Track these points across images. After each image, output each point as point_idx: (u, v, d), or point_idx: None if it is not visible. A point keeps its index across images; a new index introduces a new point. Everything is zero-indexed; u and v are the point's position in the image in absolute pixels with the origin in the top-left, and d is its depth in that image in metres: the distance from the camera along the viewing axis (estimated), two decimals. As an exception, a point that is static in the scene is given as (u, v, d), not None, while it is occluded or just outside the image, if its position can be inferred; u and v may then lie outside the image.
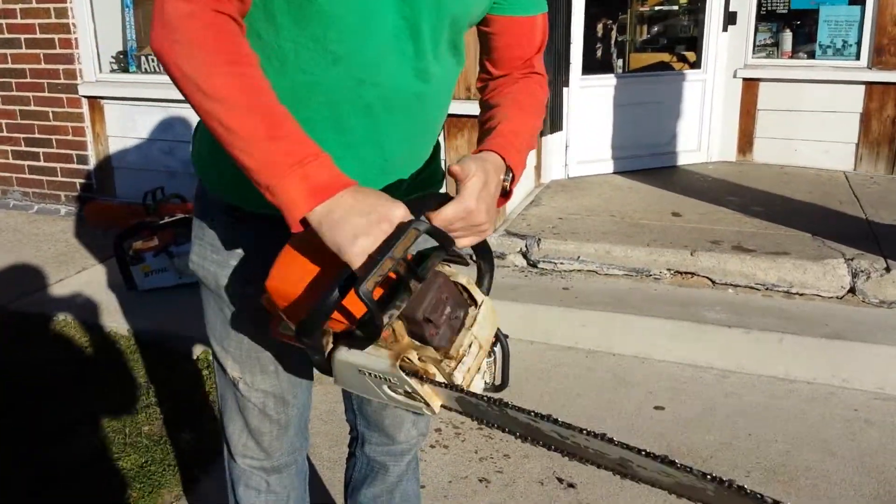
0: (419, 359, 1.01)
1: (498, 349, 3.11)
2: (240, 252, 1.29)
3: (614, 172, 4.74)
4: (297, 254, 1.01)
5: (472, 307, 1.10)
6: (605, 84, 4.67)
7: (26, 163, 4.84)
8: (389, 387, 1.03)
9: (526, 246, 3.63)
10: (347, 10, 1.06)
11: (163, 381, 2.85)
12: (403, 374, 1.00)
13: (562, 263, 3.55)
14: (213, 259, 1.32)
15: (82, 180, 4.72)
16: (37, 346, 3.10)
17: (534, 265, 3.61)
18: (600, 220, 3.88)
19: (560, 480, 2.38)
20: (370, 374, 1.02)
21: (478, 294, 1.11)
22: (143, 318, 3.27)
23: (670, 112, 4.83)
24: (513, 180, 1.20)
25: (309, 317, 0.96)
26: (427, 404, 1.03)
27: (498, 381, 3.02)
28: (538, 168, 4.46)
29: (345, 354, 1.02)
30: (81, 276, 3.75)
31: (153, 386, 2.82)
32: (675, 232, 3.67)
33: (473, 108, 3.16)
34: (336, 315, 0.96)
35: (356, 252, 0.92)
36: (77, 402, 2.70)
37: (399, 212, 0.96)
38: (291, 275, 1.00)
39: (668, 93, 4.80)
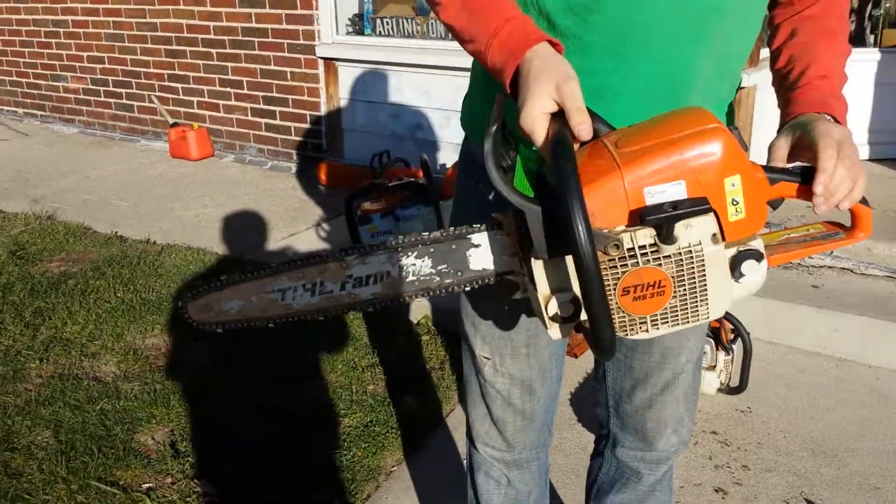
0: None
1: (738, 346, 2.83)
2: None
3: (871, 159, 4.24)
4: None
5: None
6: (866, 59, 4.17)
7: (263, 120, 5.11)
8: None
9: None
10: None
11: (385, 343, 2.88)
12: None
13: (811, 258, 3.21)
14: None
15: (313, 140, 4.91)
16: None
17: (775, 257, 3.29)
18: (856, 213, 3.46)
19: (809, 503, 2.13)
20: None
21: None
22: (367, 278, 3.32)
23: (942, 95, 4.24)
24: None
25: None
26: None
27: (735, 383, 2.76)
28: (782, 151, 4.07)
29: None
30: (312, 232, 3.89)
31: (376, 346, 2.85)
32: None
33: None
34: None
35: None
36: (305, 355, 2.78)
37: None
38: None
39: (941, 72, 4.21)
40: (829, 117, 1.01)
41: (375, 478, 2.23)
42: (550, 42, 0.93)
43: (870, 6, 6.28)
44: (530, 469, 1.44)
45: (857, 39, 6.10)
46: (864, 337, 2.80)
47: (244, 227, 3.99)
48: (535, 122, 0.88)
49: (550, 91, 0.87)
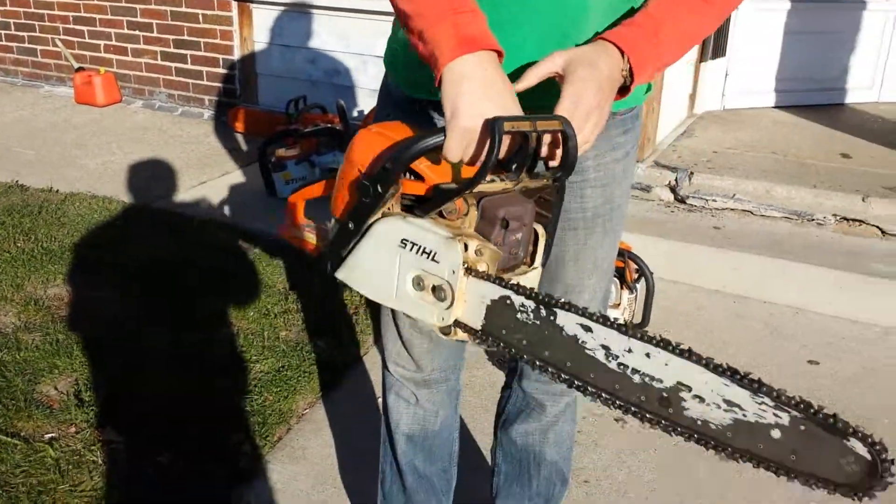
0: (476, 251, 0.92)
1: (641, 285, 2.93)
2: None
3: (775, 107, 4.39)
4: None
5: (525, 265, 1.01)
6: (778, 8, 4.27)
7: (174, 65, 4.94)
8: (414, 280, 0.94)
9: (676, 179, 3.41)
10: None
11: (300, 288, 2.87)
12: (458, 249, 0.90)
13: (714, 200, 3.32)
14: None
15: (227, 85, 4.78)
16: (178, 244, 3.18)
17: (682, 201, 3.40)
18: (760, 157, 3.59)
19: (704, 429, 2.24)
20: (411, 247, 0.94)
21: (539, 258, 1.02)
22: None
23: (844, 44, 4.39)
24: (633, 79, 0.99)
25: (396, 157, 0.93)
26: (444, 308, 0.93)
27: (638, 319, 2.86)
28: (692, 97, 4.17)
29: (394, 222, 0.96)
30: (224, 180, 3.81)
31: (292, 293, 2.84)
32: (844, 175, 3.35)
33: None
34: (423, 163, 0.95)
35: (462, 126, 0.91)
36: (216, 303, 2.76)
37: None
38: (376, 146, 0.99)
39: (845, 22, 4.35)
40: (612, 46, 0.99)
41: (287, 420, 2.24)
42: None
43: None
44: (439, 390, 1.47)
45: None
46: (762, 275, 2.93)
47: (153, 176, 3.88)
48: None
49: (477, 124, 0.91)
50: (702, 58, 4.05)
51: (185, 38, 4.81)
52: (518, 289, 0.88)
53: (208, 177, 3.83)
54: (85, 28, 5.21)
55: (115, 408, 2.23)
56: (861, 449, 0.67)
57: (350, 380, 2.44)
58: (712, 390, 0.74)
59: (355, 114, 4.32)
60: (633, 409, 0.80)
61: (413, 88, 1.20)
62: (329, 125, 3.64)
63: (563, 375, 0.86)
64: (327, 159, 3.54)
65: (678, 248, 3.06)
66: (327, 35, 4.36)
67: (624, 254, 2.66)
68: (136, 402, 2.27)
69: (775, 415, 0.71)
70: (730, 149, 3.70)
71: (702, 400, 0.75)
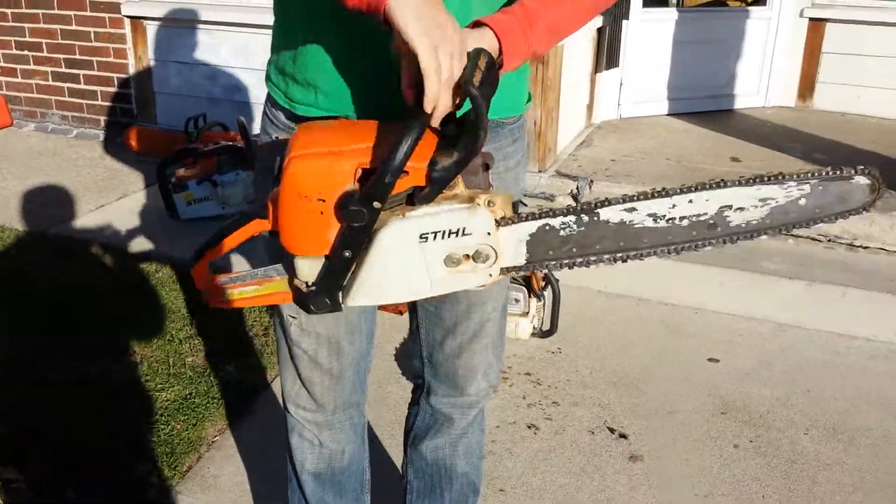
0: (488, 202, 0.94)
1: (548, 293, 2.99)
2: None
3: (669, 114, 4.56)
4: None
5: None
6: (666, 18, 4.46)
7: (66, 85, 4.76)
8: (446, 260, 0.95)
9: (577, 188, 3.50)
10: None
11: (205, 312, 2.81)
12: (484, 213, 0.92)
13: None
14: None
15: (123, 105, 4.64)
16: (78, 271, 3.07)
17: (584, 207, 3.49)
18: (655, 163, 3.73)
19: (611, 430, 2.31)
20: (434, 236, 0.93)
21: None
22: (185, 248, 3.21)
23: (730, 52, 4.60)
24: (502, 64, 1.02)
25: (392, 167, 0.88)
26: (488, 266, 0.97)
27: (546, 326, 2.92)
28: (590, 107, 4.29)
29: (400, 225, 0.93)
30: (123, 203, 3.70)
31: (196, 318, 2.78)
32: (734, 177, 3.51)
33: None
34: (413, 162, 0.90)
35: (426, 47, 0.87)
36: (119, 330, 2.67)
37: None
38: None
39: (730, 31, 4.56)
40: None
41: (196, 448, 2.19)
42: None
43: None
44: (343, 429, 1.46)
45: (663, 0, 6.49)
46: (661, 277, 3.04)
47: (48, 201, 3.73)
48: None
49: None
50: (597, 68, 4.17)
51: (77, 57, 4.65)
52: (554, 212, 0.97)
53: (106, 200, 3.72)
54: (-31, 49, 4.98)
55: (13, 445, 2.14)
56: (864, 180, 0.98)
57: (260, 404, 2.40)
58: (748, 197, 0.97)
59: (256, 130, 4.25)
60: (685, 246, 1.00)
61: (304, 99, 1.17)
62: (231, 143, 3.58)
63: (617, 255, 1.00)
64: (229, 178, 3.48)
65: (582, 255, 3.14)
66: (226, 51, 4.30)
67: (529, 263, 2.72)
68: (36, 438, 2.18)
69: (799, 189, 0.97)
70: (627, 156, 3.82)
71: (741, 209, 0.98)
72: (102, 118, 4.72)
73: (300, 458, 1.50)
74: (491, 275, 0.98)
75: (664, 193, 0.98)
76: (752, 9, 4.68)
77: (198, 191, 3.46)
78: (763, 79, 4.71)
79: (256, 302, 1.09)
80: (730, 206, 0.98)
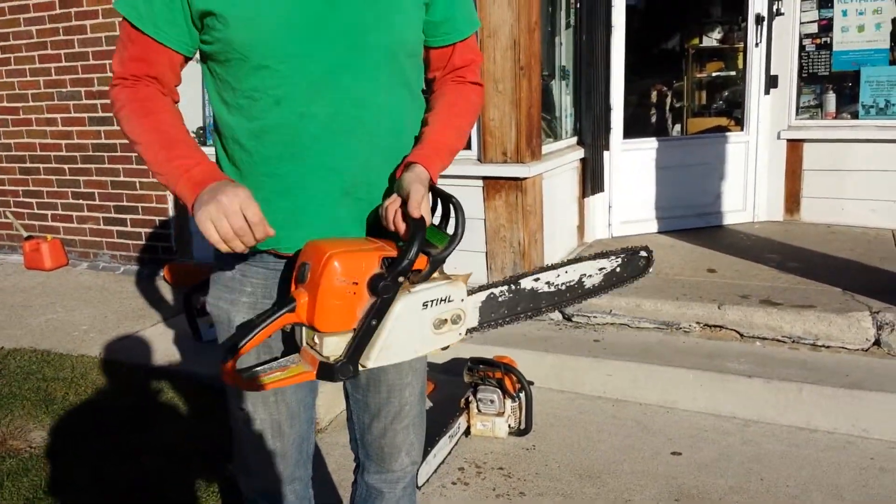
0: (459, 279, 1.35)
1: (522, 395, 3.28)
2: (249, 289, 1.54)
3: (658, 232, 4.88)
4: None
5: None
6: (646, 147, 4.84)
7: (115, 228, 5.36)
8: (435, 321, 1.31)
9: (561, 300, 3.81)
10: (278, 61, 1.36)
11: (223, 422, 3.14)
12: (462, 285, 1.33)
13: (595, 317, 3.72)
14: (226, 298, 1.56)
15: (163, 244, 5.19)
16: (120, 391, 3.45)
17: (568, 318, 3.79)
18: (635, 277, 4.02)
19: (570, 516, 2.52)
20: (431, 304, 1.29)
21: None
22: (206, 366, 3.59)
23: (713, 173, 4.95)
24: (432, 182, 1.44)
25: (417, 252, 1.26)
26: (459, 328, 1.35)
27: (522, 426, 3.19)
28: (581, 228, 4.64)
29: (409, 297, 1.27)
30: (156, 328, 4.13)
31: (209, 425, 3.11)
32: (707, 287, 3.79)
33: (510, 171, 3.65)
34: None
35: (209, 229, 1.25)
36: (154, 441, 3.01)
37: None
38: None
39: (711, 154, 4.93)
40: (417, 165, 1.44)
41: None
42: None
43: (669, 98, 7.21)
44: (288, 501, 1.71)
45: (660, 130, 6.97)
46: (635, 379, 3.28)
47: (91, 328, 4.19)
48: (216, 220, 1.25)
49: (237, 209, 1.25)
50: (583, 193, 4.56)
51: (125, 203, 5.26)
52: (494, 285, 1.46)
53: (142, 326, 4.15)
54: (34, 200, 5.66)
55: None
56: (644, 254, 1.69)
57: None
58: (592, 267, 1.60)
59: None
60: (564, 302, 1.58)
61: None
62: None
63: (528, 314, 1.52)
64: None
65: (563, 360, 3.42)
66: (253, 193, 4.81)
67: (502, 367, 3.02)
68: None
69: (613, 261, 1.63)
70: (610, 271, 4.13)
71: (590, 276, 1.60)
72: (145, 256, 5.27)
73: None
74: (461, 334, 1.35)
75: (550, 267, 1.55)
76: (730, 134, 5.08)
77: (219, 315, 3.85)
78: (748, 196, 5.04)
79: (284, 384, 1.33)
80: (585, 274, 1.59)
